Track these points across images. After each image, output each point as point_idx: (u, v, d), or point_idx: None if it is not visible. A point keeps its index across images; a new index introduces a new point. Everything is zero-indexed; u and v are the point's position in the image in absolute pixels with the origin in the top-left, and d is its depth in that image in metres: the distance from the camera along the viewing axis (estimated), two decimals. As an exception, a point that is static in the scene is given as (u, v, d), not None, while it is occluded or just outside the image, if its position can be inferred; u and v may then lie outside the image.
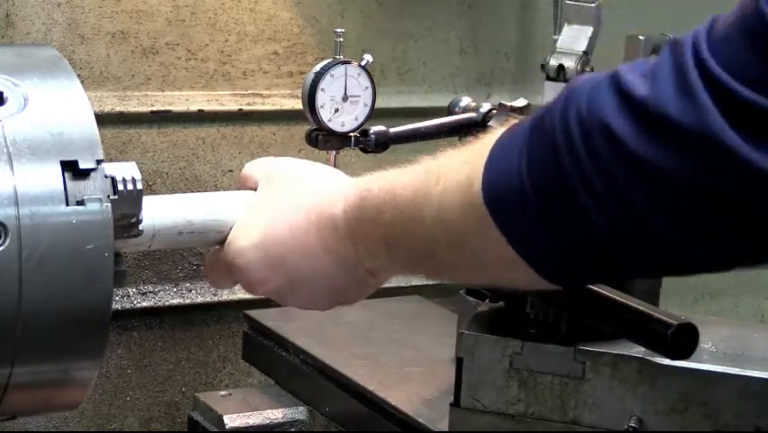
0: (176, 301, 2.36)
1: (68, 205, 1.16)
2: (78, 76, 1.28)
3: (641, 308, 1.29)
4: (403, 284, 2.26)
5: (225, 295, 2.37)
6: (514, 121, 1.15)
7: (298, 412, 1.97)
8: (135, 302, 2.33)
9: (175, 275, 2.36)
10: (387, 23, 2.48)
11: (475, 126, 1.83)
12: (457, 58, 2.58)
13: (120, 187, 1.20)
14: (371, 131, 1.80)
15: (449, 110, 1.86)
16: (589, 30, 1.93)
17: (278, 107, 2.40)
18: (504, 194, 1.10)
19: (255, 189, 1.37)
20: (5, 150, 1.15)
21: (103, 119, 2.02)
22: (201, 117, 2.34)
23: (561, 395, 1.52)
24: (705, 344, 1.46)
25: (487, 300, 1.64)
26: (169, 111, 2.31)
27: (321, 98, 1.77)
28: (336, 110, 1.78)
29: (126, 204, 1.20)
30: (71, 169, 1.17)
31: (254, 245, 1.31)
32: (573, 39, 1.93)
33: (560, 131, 1.06)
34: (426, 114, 1.96)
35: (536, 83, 2.18)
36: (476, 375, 1.54)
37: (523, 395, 1.53)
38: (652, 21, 2.43)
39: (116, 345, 2.33)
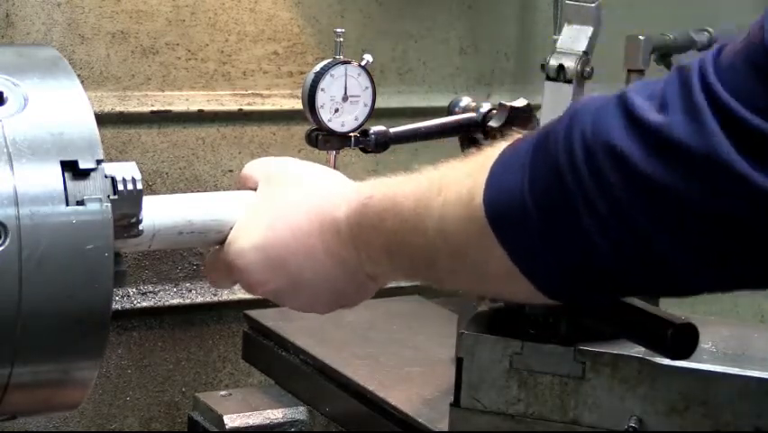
0: (176, 301, 2.36)
1: (68, 205, 1.16)
2: (78, 76, 1.28)
3: (641, 308, 1.29)
4: (403, 284, 2.26)
5: (225, 295, 2.37)
6: (518, 136, 1.15)
7: (298, 412, 1.97)
8: (135, 302, 2.33)
9: (175, 275, 2.36)
10: (387, 23, 2.48)
11: (475, 126, 1.83)
12: (457, 58, 2.58)
13: (120, 187, 1.20)
14: (371, 131, 1.80)
15: (449, 110, 1.86)
16: (589, 30, 1.93)
17: (278, 107, 2.40)
18: (505, 210, 1.10)
19: (255, 189, 1.37)
20: (5, 150, 1.15)
21: (103, 119, 2.02)
22: (201, 117, 2.34)
23: (561, 395, 1.52)
24: (705, 344, 1.46)
25: (487, 300, 1.64)
26: (169, 111, 2.31)
27: (321, 98, 1.77)
28: (336, 110, 1.78)
29: (126, 204, 1.20)
30: (71, 169, 1.17)
31: (255, 246, 1.31)
32: (573, 39, 1.93)
33: (563, 152, 1.06)
34: (426, 114, 1.96)
35: (536, 83, 2.18)
36: (476, 375, 1.54)
37: (523, 395, 1.53)
38: (652, 21, 2.43)
39: (116, 345, 2.33)
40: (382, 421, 1.78)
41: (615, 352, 1.50)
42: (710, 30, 2.13)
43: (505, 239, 1.10)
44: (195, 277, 2.36)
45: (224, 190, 1.42)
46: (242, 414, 1.95)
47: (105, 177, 1.19)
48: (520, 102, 1.81)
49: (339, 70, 1.78)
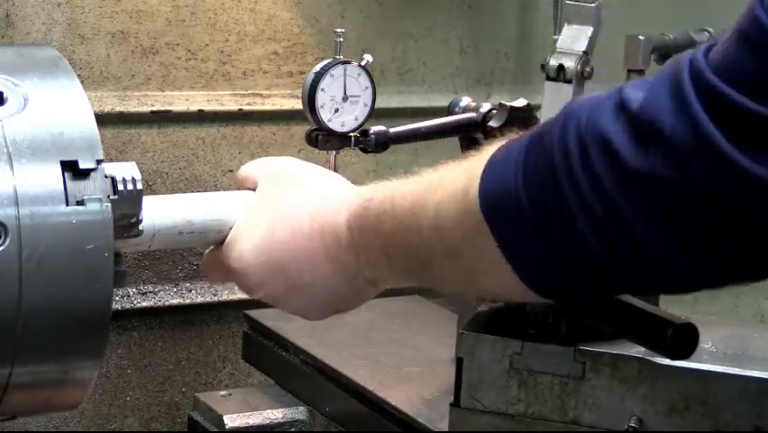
0: (176, 301, 2.36)
1: (68, 205, 1.16)
2: (78, 76, 1.28)
3: (641, 307, 1.29)
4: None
5: (225, 295, 2.37)
6: (514, 136, 1.16)
7: (298, 412, 1.97)
8: (135, 302, 2.33)
9: (175, 275, 2.36)
10: (387, 23, 2.48)
11: (475, 126, 1.83)
12: (457, 58, 2.58)
13: (120, 187, 1.20)
14: (371, 131, 1.80)
15: (449, 110, 1.86)
16: (589, 30, 1.93)
17: (278, 107, 2.40)
18: (500, 203, 1.11)
19: (254, 190, 1.37)
20: (5, 150, 1.15)
21: (103, 119, 2.02)
22: (201, 117, 2.34)
23: (561, 395, 1.52)
24: (705, 344, 1.46)
25: (487, 301, 1.64)
26: (169, 111, 2.31)
27: (321, 98, 1.77)
28: (336, 110, 1.78)
29: (126, 204, 1.20)
30: (71, 169, 1.17)
31: (254, 248, 1.31)
32: (573, 39, 1.93)
33: (558, 146, 1.06)
34: (426, 114, 1.96)
35: (536, 83, 2.18)
36: (476, 375, 1.54)
37: (523, 395, 1.53)
38: (652, 21, 2.43)
39: (116, 345, 2.33)
40: (382, 421, 1.78)
41: (615, 352, 1.50)
42: (710, 30, 2.13)
43: (498, 233, 1.11)
44: (195, 277, 2.36)
45: (224, 190, 1.42)
46: (242, 414, 1.95)
47: (105, 177, 1.19)
48: (520, 102, 1.81)
49: (339, 70, 1.78)
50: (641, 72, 1.98)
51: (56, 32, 2.19)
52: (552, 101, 1.96)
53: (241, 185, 1.39)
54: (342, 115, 1.78)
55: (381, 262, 1.26)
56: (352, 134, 1.79)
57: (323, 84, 1.77)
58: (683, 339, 1.24)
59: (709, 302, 2.90)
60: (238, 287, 1.36)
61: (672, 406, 1.49)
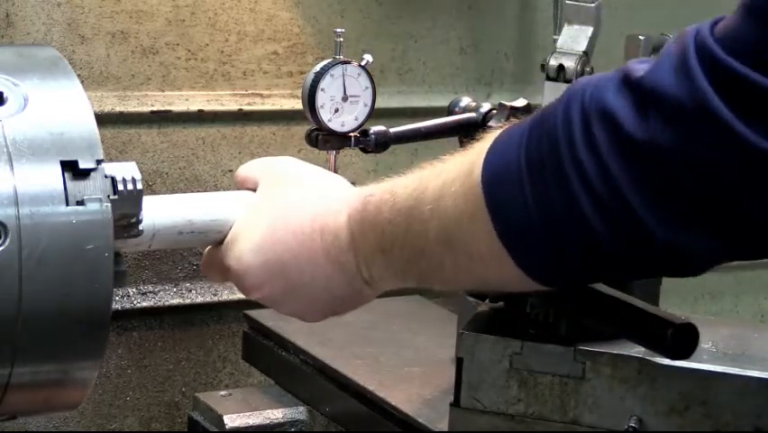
0: (176, 301, 2.36)
1: (68, 205, 1.16)
2: (78, 76, 1.28)
3: (641, 307, 1.29)
4: (403, 284, 2.26)
5: (225, 295, 2.37)
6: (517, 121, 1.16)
7: (298, 412, 1.97)
8: (135, 302, 2.33)
9: (175, 275, 2.36)
10: (387, 23, 2.48)
11: (475, 126, 1.83)
12: (457, 58, 2.58)
13: (120, 187, 1.20)
14: (371, 131, 1.80)
15: (449, 110, 1.86)
16: (589, 30, 1.93)
17: (278, 107, 2.40)
18: (501, 183, 1.10)
19: (254, 190, 1.37)
20: (5, 150, 1.15)
21: (103, 119, 2.02)
22: (201, 117, 2.34)
23: (561, 395, 1.52)
24: (705, 344, 1.46)
25: (487, 300, 1.64)
26: (169, 111, 2.31)
27: (321, 98, 1.77)
28: (336, 110, 1.78)
29: (126, 204, 1.21)
30: (71, 169, 1.17)
31: (254, 248, 1.31)
32: (573, 39, 1.93)
33: (561, 126, 1.06)
34: (426, 114, 1.96)
35: (536, 83, 2.18)
36: (476, 375, 1.54)
37: (523, 395, 1.53)
38: (652, 21, 2.43)
39: (116, 345, 2.33)
40: (382, 421, 1.78)
41: (615, 352, 1.50)
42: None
43: (497, 215, 1.10)
44: (195, 277, 2.36)
45: (224, 190, 1.42)
46: (242, 414, 1.95)
47: (105, 177, 1.19)
48: (520, 102, 1.81)
49: (339, 70, 1.78)
50: (641, 72, 1.98)
51: (56, 32, 2.19)
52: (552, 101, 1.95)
53: (241, 185, 1.39)
54: (342, 115, 1.78)
55: (378, 258, 1.25)
56: (352, 134, 1.79)
57: (323, 84, 1.77)
58: (683, 339, 1.24)
59: (709, 302, 2.90)
60: (236, 287, 1.36)
61: (671, 406, 1.49)
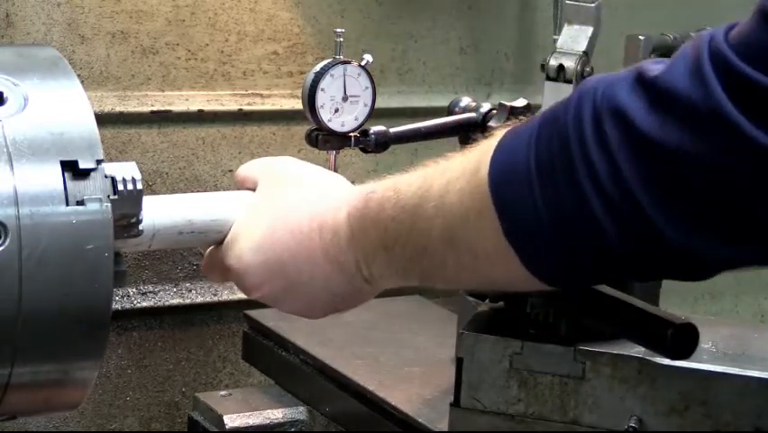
0: (176, 301, 2.36)
1: (68, 205, 1.16)
2: (78, 76, 1.28)
3: (641, 307, 1.29)
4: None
5: (225, 295, 2.37)
6: (525, 119, 1.15)
7: (298, 412, 1.97)
8: (135, 302, 2.33)
9: (175, 275, 2.36)
10: (387, 23, 2.48)
11: (475, 126, 1.83)
12: (457, 58, 2.58)
13: (120, 187, 1.20)
14: (371, 131, 1.80)
15: (449, 110, 1.86)
16: (589, 30, 1.93)
17: (278, 107, 2.40)
18: (509, 182, 1.09)
19: (254, 190, 1.37)
20: (5, 150, 1.15)
21: (103, 119, 2.02)
22: (201, 117, 2.34)
23: (561, 395, 1.52)
24: (705, 344, 1.46)
25: (487, 300, 1.64)
26: (169, 111, 2.31)
27: (321, 98, 1.77)
28: (336, 110, 1.78)
29: (126, 204, 1.21)
30: (71, 169, 1.17)
31: (254, 247, 1.31)
32: (573, 39, 1.93)
33: (572, 124, 1.05)
34: (426, 114, 1.96)
35: (536, 83, 2.18)
36: (476, 375, 1.54)
37: (523, 395, 1.53)
38: (652, 21, 2.43)
39: (116, 345, 2.33)
40: (382, 421, 1.78)
41: (615, 352, 1.50)
42: (710, 30, 2.13)
43: (504, 214, 1.09)
44: (195, 277, 2.36)
45: (224, 190, 1.42)
46: (242, 414, 1.95)
47: (105, 177, 1.19)
48: (520, 102, 1.81)
49: (339, 70, 1.78)
50: (641, 72, 1.98)
51: (56, 32, 2.19)
52: (552, 101, 1.95)
53: (241, 185, 1.39)
54: (342, 115, 1.78)
55: (379, 255, 1.25)
56: (352, 134, 1.79)
57: (323, 84, 1.77)
58: (683, 339, 1.24)
59: (709, 302, 2.90)
60: (237, 287, 1.36)
61: (671, 406, 1.49)
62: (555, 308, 1.49)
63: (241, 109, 2.37)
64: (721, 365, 1.48)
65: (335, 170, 1.74)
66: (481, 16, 2.57)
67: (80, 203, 1.16)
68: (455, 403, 1.56)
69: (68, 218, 1.15)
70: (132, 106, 2.28)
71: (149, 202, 1.28)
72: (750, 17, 1.02)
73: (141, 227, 1.25)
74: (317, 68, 1.78)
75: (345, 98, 1.78)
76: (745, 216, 1.01)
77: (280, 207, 1.32)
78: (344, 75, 1.78)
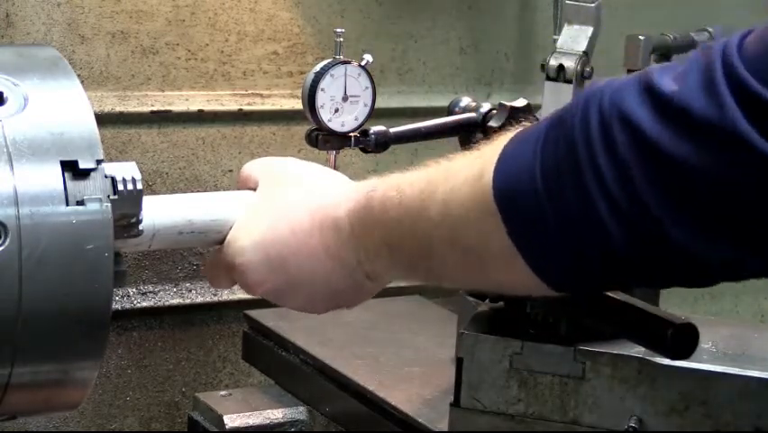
0: (176, 301, 2.36)
1: (68, 205, 1.16)
2: (78, 76, 1.28)
3: (641, 308, 1.29)
4: (403, 284, 2.26)
5: (225, 295, 2.37)
6: (529, 124, 1.15)
7: (298, 412, 1.97)
8: (135, 302, 2.33)
9: (175, 275, 2.36)
10: (387, 22, 2.48)
11: (475, 126, 1.83)
12: (457, 58, 2.58)
13: (120, 187, 1.20)
14: (371, 131, 1.80)
15: (449, 110, 1.86)
16: (589, 30, 1.94)
17: (278, 107, 2.40)
18: (515, 188, 1.09)
19: (255, 189, 1.37)
20: (5, 150, 1.15)
21: (103, 119, 2.02)
22: (201, 117, 2.34)
23: (561, 395, 1.52)
24: (705, 344, 1.46)
25: (487, 300, 1.64)
26: (169, 111, 2.31)
27: (321, 98, 1.77)
28: (336, 110, 1.78)
29: (126, 204, 1.21)
30: (71, 169, 1.17)
31: (254, 245, 1.31)
32: (573, 39, 1.93)
33: (579, 130, 1.05)
34: (426, 114, 1.96)
35: (536, 83, 2.19)
36: (476, 375, 1.54)
37: (523, 395, 1.53)
38: (652, 21, 2.43)
39: (116, 345, 2.33)
40: (382, 421, 1.78)
41: (615, 352, 1.50)
42: (710, 30, 2.13)
43: (510, 220, 1.09)
44: (195, 277, 2.36)
45: (224, 190, 1.42)
46: (242, 414, 1.95)
47: (105, 177, 1.19)
48: (520, 102, 1.81)
49: (339, 70, 1.78)
50: (641, 72, 1.98)
51: (56, 32, 2.19)
52: (552, 101, 1.96)
53: (242, 185, 1.39)
54: (342, 115, 1.78)
55: (383, 253, 1.25)
56: (352, 134, 1.79)
57: (323, 84, 1.77)
58: (683, 339, 1.24)
59: (709, 302, 2.90)
60: (239, 285, 1.36)
61: (671, 406, 1.49)
62: (555, 308, 1.49)
63: (241, 109, 2.37)
64: (721, 365, 1.49)
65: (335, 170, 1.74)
66: (481, 16, 2.57)
67: (80, 203, 1.16)
68: (455, 403, 1.56)
69: (68, 218, 1.15)
70: (132, 106, 2.28)
71: (149, 202, 1.28)
72: (764, 28, 1.01)
73: (141, 227, 1.25)
74: (317, 68, 1.78)
75: (345, 98, 1.78)
76: (750, 227, 1.01)
77: (281, 206, 1.32)
78: (344, 75, 1.78)
